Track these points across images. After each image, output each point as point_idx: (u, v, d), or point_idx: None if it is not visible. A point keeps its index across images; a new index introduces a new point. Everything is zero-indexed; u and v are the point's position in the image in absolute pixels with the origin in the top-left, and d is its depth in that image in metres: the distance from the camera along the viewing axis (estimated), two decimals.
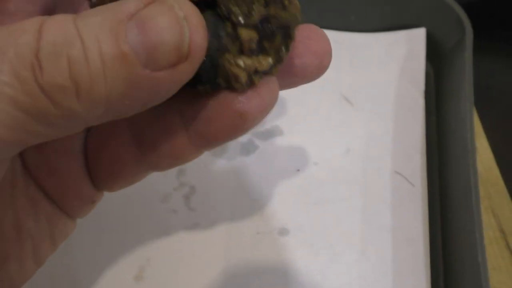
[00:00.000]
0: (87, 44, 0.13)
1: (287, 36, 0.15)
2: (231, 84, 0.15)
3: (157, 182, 0.30)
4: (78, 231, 0.28)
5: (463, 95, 0.29)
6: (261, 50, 0.15)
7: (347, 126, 0.33)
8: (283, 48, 0.15)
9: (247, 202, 0.30)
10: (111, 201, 0.29)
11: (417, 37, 0.36)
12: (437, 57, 0.35)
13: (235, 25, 0.15)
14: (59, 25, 0.13)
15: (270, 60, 0.15)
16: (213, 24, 0.14)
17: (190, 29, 0.13)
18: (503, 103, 0.67)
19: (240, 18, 0.14)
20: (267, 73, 0.16)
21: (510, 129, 0.63)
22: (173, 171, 0.30)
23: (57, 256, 0.27)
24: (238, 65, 0.15)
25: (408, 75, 0.35)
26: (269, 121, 0.33)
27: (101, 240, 0.28)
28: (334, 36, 0.37)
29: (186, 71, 0.14)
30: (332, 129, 0.33)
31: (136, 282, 0.27)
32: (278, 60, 0.16)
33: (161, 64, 0.13)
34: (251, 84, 0.15)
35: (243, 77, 0.15)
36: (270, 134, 0.32)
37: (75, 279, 0.27)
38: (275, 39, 0.15)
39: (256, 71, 0.15)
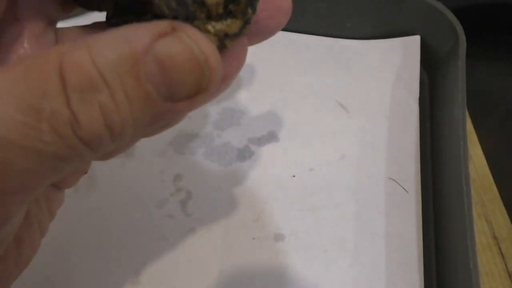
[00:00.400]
0: (113, 88, 0.13)
1: None
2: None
3: (153, 188, 0.30)
4: (75, 236, 0.28)
5: (456, 102, 0.29)
6: (228, 14, 0.15)
7: (342, 133, 0.33)
8: (250, 10, 0.16)
9: (242, 208, 0.30)
10: (108, 205, 0.29)
11: (412, 44, 0.36)
12: (431, 64, 0.36)
13: None
14: (79, 67, 0.13)
15: (238, 22, 0.16)
16: None
17: (210, 69, 0.14)
18: (497, 110, 0.67)
19: None
20: (237, 35, 0.16)
21: (503, 136, 0.63)
22: (170, 177, 0.31)
23: (54, 261, 0.27)
24: (207, 31, 0.15)
25: (403, 82, 0.35)
26: (265, 127, 0.33)
27: (98, 245, 0.28)
28: (329, 43, 0.37)
29: (204, 99, 0.15)
30: (327, 136, 0.33)
31: (133, 287, 0.27)
32: (246, 21, 0.16)
33: (181, 97, 0.14)
34: (223, 48, 0.16)
35: (214, 42, 0.15)
36: (266, 140, 0.33)
37: (72, 284, 0.27)
38: (240, 1, 0.15)
39: (226, 35, 0.15)
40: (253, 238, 0.29)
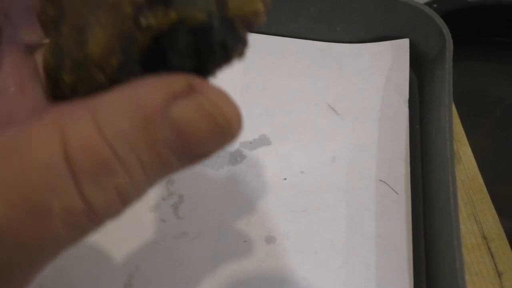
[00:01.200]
0: (129, 164, 0.12)
1: None
2: (252, 24, 0.13)
3: None
4: None
5: (443, 104, 0.29)
6: None
7: (333, 135, 0.33)
8: None
9: (234, 211, 0.30)
10: None
11: (401, 47, 0.36)
12: (420, 67, 0.36)
13: None
14: (88, 145, 0.11)
15: None
16: None
17: (231, 132, 0.13)
18: (488, 112, 0.68)
19: None
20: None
21: (493, 137, 0.64)
22: (162, 181, 0.31)
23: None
24: (245, 2, 0.13)
25: (393, 84, 0.35)
26: (256, 131, 0.34)
27: (90, 248, 0.28)
28: (321, 47, 0.38)
29: (219, 151, 0.13)
30: (318, 138, 0.33)
31: None
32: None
33: (199, 157, 0.13)
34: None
35: (260, 6, 0.13)
36: (257, 144, 0.33)
37: (65, 287, 0.27)
38: None
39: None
40: (245, 241, 0.29)
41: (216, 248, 0.29)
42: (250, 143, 0.33)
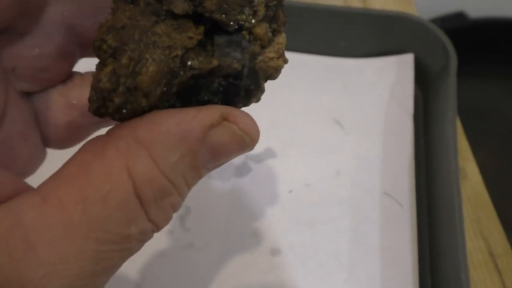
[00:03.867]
0: (180, 187, 0.14)
1: (281, 5, 0.16)
2: (272, 77, 0.16)
3: None
4: None
5: (447, 118, 0.30)
6: (274, 33, 0.16)
7: (338, 149, 0.34)
8: (284, 17, 0.16)
9: (240, 223, 0.30)
10: None
11: (406, 62, 0.37)
12: (425, 82, 0.37)
13: (249, 30, 0.15)
14: (150, 180, 0.14)
15: (284, 35, 0.16)
16: (230, 41, 0.15)
17: (252, 147, 0.16)
18: (494, 128, 0.68)
19: (252, 21, 0.15)
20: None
21: (499, 153, 0.64)
22: None
23: None
24: (275, 58, 0.16)
25: (398, 99, 0.36)
26: (263, 144, 0.34)
27: None
28: (325, 61, 0.38)
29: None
30: (323, 152, 0.34)
31: None
32: (285, 26, 0.16)
33: (219, 166, 0.16)
34: (284, 62, 0.16)
35: (282, 64, 0.16)
36: (263, 157, 0.33)
37: None
38: (279, 17, 0.16)
39: (282, 51, 0.16)
40: (250, 253, 0.29)
41: (222, 259, 0.29)
42: (256, 155, 0.33)
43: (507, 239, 0.32)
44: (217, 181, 0.32)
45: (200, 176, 0.15)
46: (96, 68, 0.14)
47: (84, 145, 0.15)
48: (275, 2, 0.16)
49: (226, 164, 0.35)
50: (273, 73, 0.16)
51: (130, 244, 0.14)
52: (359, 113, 0.35)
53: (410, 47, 0.37)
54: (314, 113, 0.35)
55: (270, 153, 0.34)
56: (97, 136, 0.15)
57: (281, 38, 0.16)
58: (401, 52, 0.37)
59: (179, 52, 0.14)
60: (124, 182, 0.14)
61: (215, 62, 0.14)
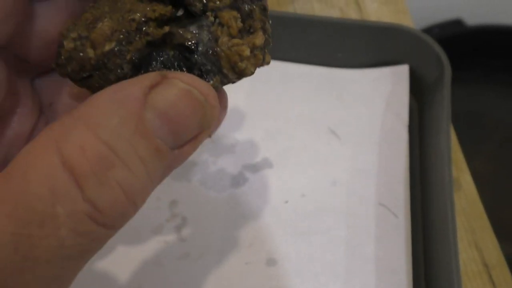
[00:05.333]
0: (127, 157, 0.12)
1: (264, 8, 0.16)
2: (238, 69, 0.15)
3: (149, 213, 0.31)
4: None
5: (442, 129, 0.30)
6: (249, 30, 0.16)
7: (334, 159, 0.34)
8: (267, 24, 0.16)
9: (236, 233, 0.31)
10: None
11: (401, 73, 0.37)
12: (420, 92, 0.37)
13: (215, 14, 0.15)
14: (86, 149, 0.12)
15: (261, 34, 0.16)
16: (194, 22, 0.15)
17: (211, 107, 0.14)
18: (488, 138, 0.68)
19: (217, 2, 0.15)
20: (264, 48, 0.16)
21: (493, 164, 0.64)
22: (166, 203, 0.32)
23: None
24: (237, 44, 0.15)
25: (393, 109, 0.36)
26: (259, 154, 0.34)
27: (93, 269, 0.29)
28: (321, 72, 0.39)
29: (206, 136, 0.14)
30: (319, 162, 0.34)
31: None
32: (267, 33, 0.16)
33: (185, 141, 0.14)
34: (263, 62, 0.16)
35: (246, 50, 0.15)
36: (259, 167, 0.34)
37: None
38: (255, 13, 0.16)
39: (255, 47, 0.15)
40: (246, 263, 0.29)
41: (218, 269, 0.29)
42: (253, 166, 0.34)
43: (501, 250, 0.33)
44: (213, 192, 0.32)
45: (157, 150, 0.13)
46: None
47: None
48: None
49: (222, 174, 0.35)
50: (238, 62, 0.15)
51: (59, 231, 0.12)
52: (355, 124, 0.36)
53: (405, 58, 0.37)
54: (310, 123, 0.36)
55: (266, 164, 0.34)
56: None
57: (258, 37, 0.16)
58: (396, 63, 0.38)
59: (137, 17, 0.15)
60: (49, 155, 0.12)
61: (166, 29, 0.15)
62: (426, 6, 0.69)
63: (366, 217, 0.31)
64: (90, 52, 0.14)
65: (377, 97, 0.37)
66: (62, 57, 0.15)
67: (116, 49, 0.14)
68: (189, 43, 0.15)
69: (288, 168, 0.34)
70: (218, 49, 0.15)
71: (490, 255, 0.32)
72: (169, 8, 0.15)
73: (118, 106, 0.12)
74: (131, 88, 0.13)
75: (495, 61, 0.74)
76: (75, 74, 0.15)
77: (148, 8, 0.15)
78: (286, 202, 0.32)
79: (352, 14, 0.43)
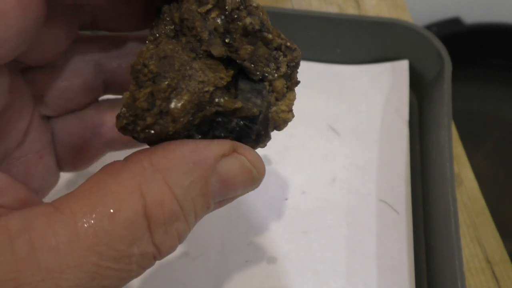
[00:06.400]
0: (187, 213, 0.15)
1: (297, 67, 0.18)
2: (279, 129, 0.18)
3: None
4: None
5: (443, 124, 0.30)
6: (287, 89, 0.18)
7: (333, 156, 0.34)
8: (297, 78, 0.18)
9: (236, 231, 0.30)
10: None
11: (401, 68, 0.37)
12: (420, 88, 0.37)
13: (270, 82, 0.17)
14: (162, 203, 0.14)
15: (294, 93, 0.18)
16: (253, 88, 0.17)
17: (259, 183, 0.17)
18: (490, 134, 0.68)
19: (275, 75, 0.17)
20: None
21: (495, 159, 0.64)
22: None
23: None
24: (286, 111, 0.18)
25: (393, 105, 0.36)
26: (258, 152, 0.34)
27: None
28: (321, 68, 0.38)
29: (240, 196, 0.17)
30: (319, 159, 0.33)
31: None
32: (297, 85, 0.18)
33: (229, 200, 0.17)
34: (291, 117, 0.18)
35: (290, 118, 0.18)
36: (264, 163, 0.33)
37: None
38: (294, 76, 0.18)
39: (290, 108, 0.18)
40: (246, 261, 0.29)
41: (217, 268, 0.29)
42: None
43: (504, 246, 0.32)
44: None
45: (208, 207, 0.16)
46: (130, 90, 0.15)
47: (102, 167, 0.15)
48: (294, 64, 0.18)
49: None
50: (281, 124, 0.18)
51: (130, 266, 0.14)
52: (354, 120, 0.35)
53: (405, 54, 0.37)
54: (310, 120, 0.35)
55: (265, 161, 0.33)
56: (115, 161, 0.15)
57: (292, 95, 0.18)
58: (396, 59, 0.37)
59: (211, 88, 0.16)
60: (135, 202, 0.14)
61: (239, 104, 0.16)
62: (425, 5, 0.69)
63: (366, 214, 0.31)
64: (171, 126, 0.15)
65: (377, 93, 0.36)
66: (138, 128, 0.15)
67: (191, 119, 0.16)
68: (254, 115, 0.16)
69: (287, 165, 0.33)
70: (270, 115, 0.18)
71: (493, 251, 0.32)
72: (231, 73, 0.16)
73: (193, 168, 0.15)
74: (207, 153, 0.15)
75: (494, 60, 0.73)
76: (140, 135, 0.16)
77: (217, 76, 0.16)
78: (286, 199, 0.32)
79: (350, 10, 0.43)
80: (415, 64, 0.36)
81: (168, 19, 0.16)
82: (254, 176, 0.16)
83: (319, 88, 0.37)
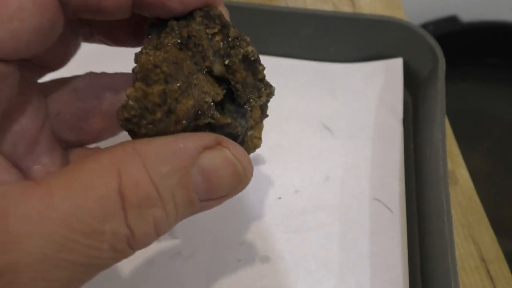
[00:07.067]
0: (166, 200, 0.15)
1: (269, 100, 0.20)
2: (248, 153, 0.19)
3: None
4: None
5: (436, 123, 0.29)
6: (260, 119, 0.20)
7: (327, 154, 0.33)
8: (266, 111, 0.21)
9: (229, 230, 0.30)
10: None
11: (395, 66, 0.37)
12: (414, 86, 0.36)
13: (251, 108, 0.19)
14: (138, 184, 0.14)
15: (263, 124, 0.20)
16: (238, 110, 0.18)
17: (245, 180, 0.17)
18: (484, 133, 0.68)
19: (257, 102, 0.19)
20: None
21: (490, 158, 0.64)
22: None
23: None
24: (258, 138, 0.20)
25: (387, 103, 0.35)
26: None
27: None
28: (314, 66, 0.38)
29: (229, 198, 0.17)
30: (312, 157, 0.33)
31: None
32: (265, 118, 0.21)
33: (213, 198, 0.16)
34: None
35: (260, 145, 0.20)
36: (252, 163, 0.33)
37: None
38: (267, 108, 0.20)
39: (260, 135, 0.20)
40: (239, 260, 0.29)
41: (210, 267, 0.29)
42: None
43: (499, 245, 0.32)
44: None
45: (190, 201, 0.15)
46: (136, 86, 0.16)
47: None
48: (269, 98, 0.20)
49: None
50: (251, 149, 0.20)
51: (101, 245, 0.14)
52: (348, 118, 0.35)
53: (398, 51, 0.37)
54: (303, 119, 0.35)
55: (258, 159, 0.33)
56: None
57: (262, 125, 0.20)
58: (390, 57, 0.37)
59: (209, 100, 0.17)
60: (110, 179, 0.14)
61: (229, 120, 0.17)
62: (422, 3, 0.69)
63: (360, 212, 0.31)
64: (172, 126, 0.16)
65: (371, 91, 0.36)
66: (144, 121, 0.16)
67: (187, 125, 0.16)
68: (237, 133, 0.18)
69: (280, 163, 0.33)
70: (246, 137, 0.19)
71: (488, 249, 0.32)
72: (223, 92, 0.18)
73: (172, 156, 0.15)
74: (188, 144, 0.15)
75: (490, 58, 0.73)
76: (141, 130, 0.16)
77: (214, 91, 0.17)
78: (279, 198, 0.31)
79: (345, 8, 0.43)
80: (409, 62, 0.36)
81: (177, 32, 0.17)
82: (239, 171, 0.16)
83: (312, 86, 0.37)
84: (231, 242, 0.30)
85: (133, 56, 0.18)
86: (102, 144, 0.22)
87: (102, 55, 0.29)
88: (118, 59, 0.23)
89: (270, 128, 0.34)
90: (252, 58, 0.18)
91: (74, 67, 0.21)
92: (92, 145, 0.21)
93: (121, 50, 0.22)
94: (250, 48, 0.18)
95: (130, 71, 0.18)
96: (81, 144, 0.21)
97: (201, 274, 0.28)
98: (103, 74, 0.21)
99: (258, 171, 0.33)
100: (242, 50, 0.18)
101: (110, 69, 0.22)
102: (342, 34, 0.37)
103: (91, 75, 0.20)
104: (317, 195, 0.31)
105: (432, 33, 0.35)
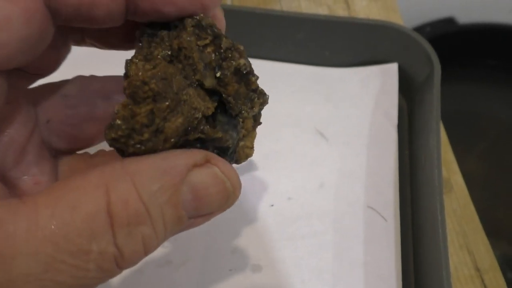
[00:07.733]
0: (155, 218, 0.14)
1: (262, 108, 0.20)
2: (239, 162, 0.20)
3: None
4: None
5: (431, 130, 0.29)
6: (252, 128, 0.20)
7: (321, 161, 0.33)
8: (260, 119, 0.21)
9: (220, 238, 0.30)
10: None
11: (390, 71, 0.36)
12: (409, 91, 0.36)
13: (243, 119, 0.19)
14: (127, 203, 0.14)
15: (256, 132, 0.20)
16: (229, 122, 0.18)
17: (234, 198, 0.17)
18: (479, 134, 0.68)
19: (249, 113, 0.19)
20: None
21: (485, 166, 0.63)
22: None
23: None
24: (249, 147, 0.20)
25: (382, 109, 0.35)
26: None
27: None
28: (309, 71, 0.37)
29: (218, 214, 0.17)
30: (306, 164, 0.33)
31: None
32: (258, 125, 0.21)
33: (202, 215, 0.16)
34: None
35: (252, 154, 0.20)
36: (244, 169, 0.33)
37: None
38: (259, 118, 0.20)
39: (252, 144, 0.20)
40: (230, 270, 0.28)
41: (201, 277, 0.28)
42: (237, 168, 0.33)
43: (493, 254, 0.32)
44: None
45: (179, 218, 0.15)
46: (124, 103, 0.16)
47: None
48: (262, 107, 0.20)
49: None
50: (243, 158, 0.20)
51: (87, 264, 0.14)
52: (343, 124, 0.35)
53: (394, 56, 0.36)
54: (297, 124, 0.35)
55: (251, 166, 0.33)
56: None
57: (255, 134, 0.20)
58: (385, 61, 0.37)
59: (199, 115, 0.17)
60: (98, 197, 0.14)
61: (219, 134, 0.17)
62: (418, 5, 0.69)
63: (354, 220, 0.30)
64: (161, 145, 0.16)
65: (366, 97, 0.36)
66: (131, 141, 0.15)
67: (177, 141, 0.16)
68: (228, 146, 0.18)
69: (274, 170, 0.32)
70: (238, 148, 0.19)
71: (483, 259, 0.31)
72: (214, 104, 0.17)
73: (162, 174, 0.15)
74: (177, 162, 0.15)
75: (487, 60, 0.73)
76: (129, 149, 0.16)
77: (205, 106, 0.17)
78: (272, 205, 0.31)
79: (340, 11, 0.43)
80: (404, 67, 0.36)
81: (167, 44, 0.17)
82: (228, 189, 0.16)
83: (307, 92, 0.36)
84: (222, 251, 0.29)
85: (124, 56, 0.17)
86: (91, 150, 0.21)
87: (92, 56, 0.28)
88: (109, 60, 0.23)
89: (264, 135, 0.34)
90: (244, 72, 0.18)
91: (63, 69, 0.21)
92: (82, 151, 0.21)
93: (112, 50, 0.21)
94: (242, 61, 0.18)
95: (121, 72, 0.17)
96: (71, 151, 0.20)
97: (192, 284, 0.28)
98: (93, 77, 0.20)
99: (251, 177, 0.32)
100: (234, 63, 0.18)
101: (100, 70, 0.21)
102: (337, 38, 0.36)
103: (80, 79, 0.20)
104: (311, 202, 0.31)
105: (429, 34, 0.34)
